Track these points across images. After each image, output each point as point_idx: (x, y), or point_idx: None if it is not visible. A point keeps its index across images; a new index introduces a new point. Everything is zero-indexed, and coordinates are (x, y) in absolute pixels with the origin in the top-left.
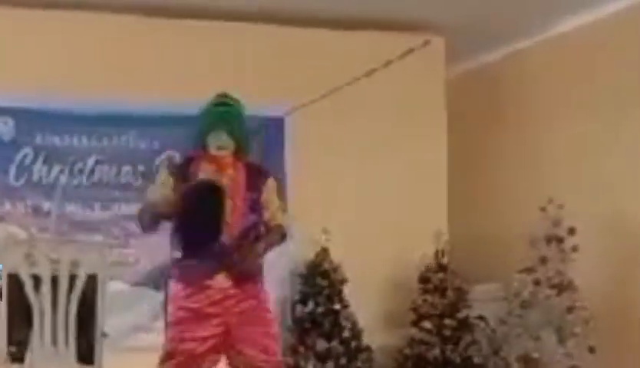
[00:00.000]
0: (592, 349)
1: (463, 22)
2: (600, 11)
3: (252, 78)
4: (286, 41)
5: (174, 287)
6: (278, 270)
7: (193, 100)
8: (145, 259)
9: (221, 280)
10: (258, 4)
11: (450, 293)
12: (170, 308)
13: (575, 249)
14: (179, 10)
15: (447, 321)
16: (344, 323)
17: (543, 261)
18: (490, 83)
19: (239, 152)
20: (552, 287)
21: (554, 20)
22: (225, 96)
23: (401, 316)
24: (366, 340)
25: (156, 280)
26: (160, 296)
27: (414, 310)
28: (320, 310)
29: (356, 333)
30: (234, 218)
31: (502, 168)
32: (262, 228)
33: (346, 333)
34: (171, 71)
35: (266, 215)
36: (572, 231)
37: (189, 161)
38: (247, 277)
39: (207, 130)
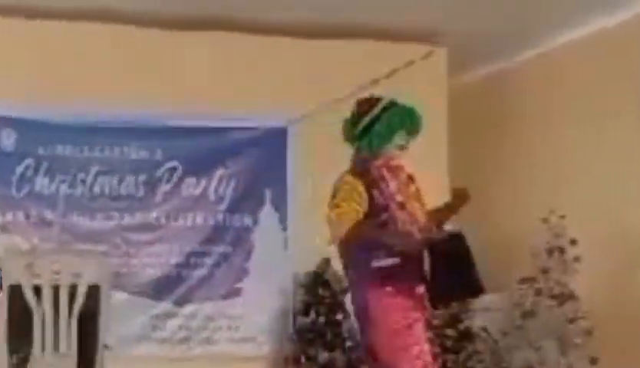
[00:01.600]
0: (593, 360)
1: (467, 33)
2: (600, 22)
3: (254, 89)
4: (289, 51)
5: (390, 295)
6: (279, 280)
7: (195, 110)
8: (147, 269)
9: (422, 287)
10: (259, 15)
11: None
12: (393, 315)
13: (577, 260)
14: (180, 21)
15: (449, 332)
16: (346, 333)
17: (545, 271)
18: (493, 93)
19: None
20: (554, 297)
21: (557, 31)
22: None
23: None
24: None
25: (158, 291)
26: (161, 306)
27: None
28: (322, 320)
29: (358, 343)
30: (421, 216)
31: (504, 178)
32: None
33: (348, 343)
34: (173, 82)
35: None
36: (573, 242)
37: (365, 165)
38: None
39: (395, 129)
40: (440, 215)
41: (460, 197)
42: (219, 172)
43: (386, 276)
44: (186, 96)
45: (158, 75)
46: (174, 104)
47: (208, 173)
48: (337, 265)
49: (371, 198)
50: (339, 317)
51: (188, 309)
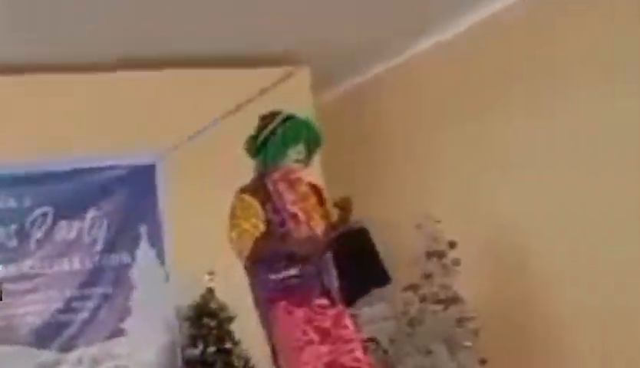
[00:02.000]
0: (482, 361)
1: (327, 51)
2: (457, 26)
3: (118, 127)
4: (149, 85)
5: (285, 309)
6: (164, 315)
7: (61, 154)
8: (28, 318)
9: (323, 299)
10: (114, 52)
11: None
12: (287, 333)
13: (456, 263)
14: (36, 65)
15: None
16: (236, 361)
17: (427, 277)
18: (359, 107)
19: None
20: (439, 302)
21: (413, 39)
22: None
23: None
24: None
25: (41, 339)
26: (45, 354)
27: None
28: (211, 350)
29: None
30: (320, 225)
31: (378, 188)
32: None
33: None
34: (35, 127)
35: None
36: (452, 244)
37: (261, 180)
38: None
39: (289, 143)
40: (336, 226)
41: (345, 207)
42: (91, 213)
43: (282, 289)
44: (50, 140)
45: (19, 122)
46: (38, 150)
47: (80, 216)
48: (220, 294)
49: (266, 212)
50: (228, 345)
51: (73, 354)
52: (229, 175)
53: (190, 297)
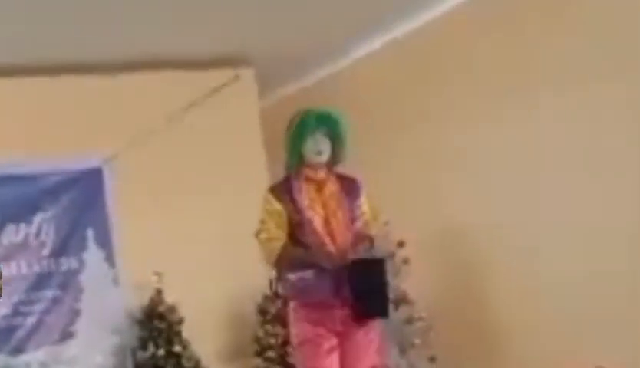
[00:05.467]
0: (432, 359)
1: (272, 52)
2: (402, 28)
3: (64, 132)
4: (97, 89)
5: (298, 308)
6: (113, 318)
7: (6, 158)
8: None
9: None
10: (59, 56)
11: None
12: (298, 330)
13: (406, 262)
14: None
15: (289, 348)
16: (186, 363)
17: None
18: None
19: (332, 161)
20: None
21: (359, 42)
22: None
23: (245, 349)
24: None
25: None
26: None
27: (257, 341)
28: (161, 352)
29: None
30: (342, 231)
31: None
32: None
33: None
34: None
35: (359, 225)
36: (401, 244)
37: (288, 181)
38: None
39: (305, 135)
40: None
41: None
42: (39, 217)
43: (296, 289)
44: None
45: None
46: None
47: (27, 219)
48: (169, 296)
49: (289, 212)
50: (178, 348)
51: (22, 359)
52: (176, 177)
53: (140, 299)
